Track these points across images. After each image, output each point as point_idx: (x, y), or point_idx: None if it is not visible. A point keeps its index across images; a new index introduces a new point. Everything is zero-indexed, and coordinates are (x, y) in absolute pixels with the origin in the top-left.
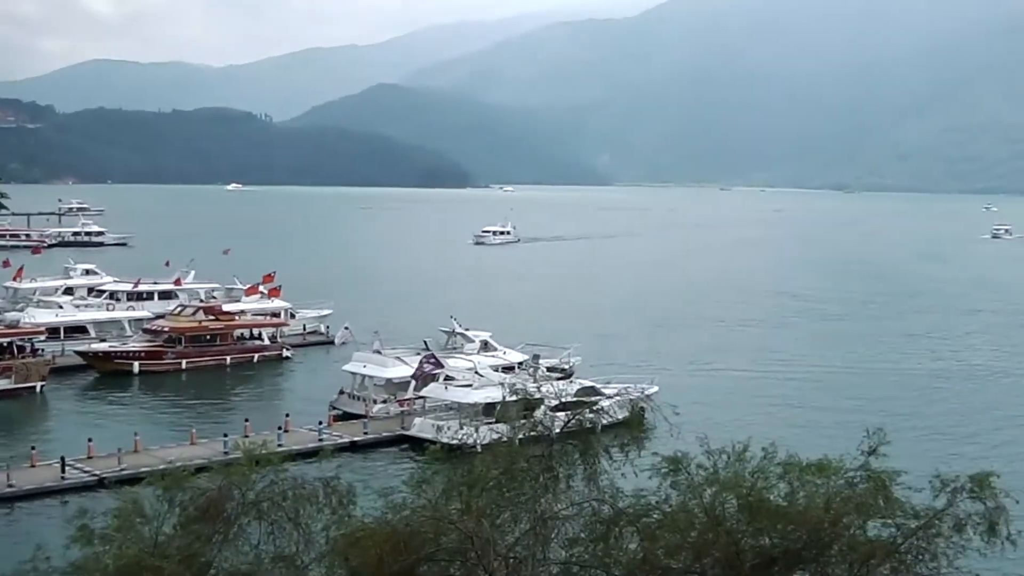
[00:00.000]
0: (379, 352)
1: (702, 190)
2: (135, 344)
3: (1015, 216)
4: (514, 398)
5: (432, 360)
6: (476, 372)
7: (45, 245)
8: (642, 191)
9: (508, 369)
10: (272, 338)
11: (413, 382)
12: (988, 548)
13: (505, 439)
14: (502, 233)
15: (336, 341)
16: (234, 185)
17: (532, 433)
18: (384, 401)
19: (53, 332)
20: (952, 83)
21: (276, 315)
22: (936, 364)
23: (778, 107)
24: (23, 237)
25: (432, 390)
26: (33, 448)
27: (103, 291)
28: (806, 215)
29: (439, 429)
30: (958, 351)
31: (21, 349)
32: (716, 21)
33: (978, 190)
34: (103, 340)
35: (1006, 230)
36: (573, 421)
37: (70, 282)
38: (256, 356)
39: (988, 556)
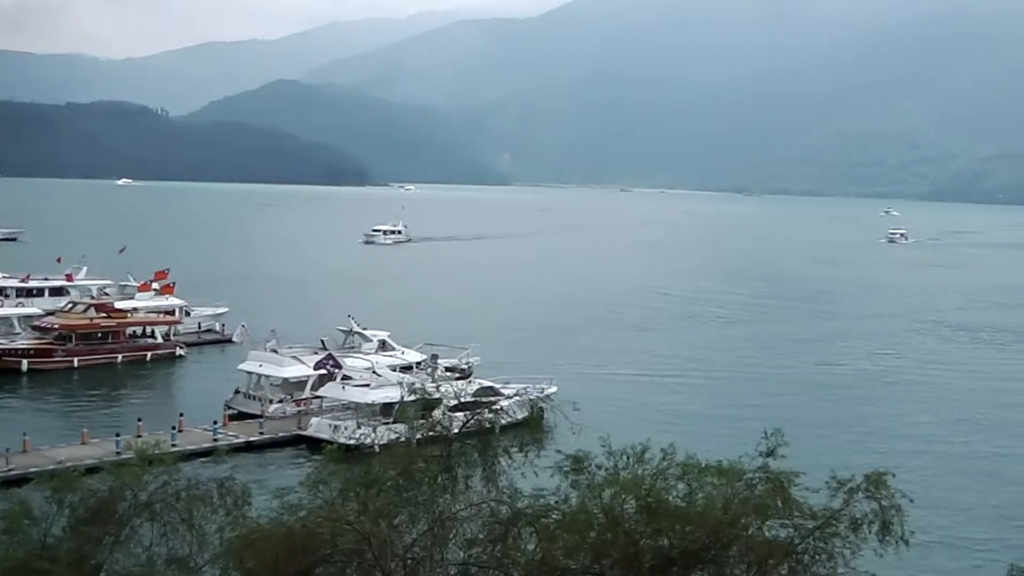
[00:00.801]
0: (275, 351)
1: (603, 191)
2: (24, 341)
3: (913, 220)
4: (412, 398)
5: (330, 360)
6: (374, 372)
7: None
8: (543, 191)
9: (406, 369)
10: (166, 336)
11: (310, 380)
12: (883, 547)
13: (403, 439)
14: (393, 233)
15: (235, 339)
16: (125, 180)
17: (430, 433)
18: (280, 401)
19: None
20: (852, 90)
21: (170, 313)
22: (833, 367)
23: (680, 110)
24: None
25: (329, 390)
26: None
27: None
28: (706, 217)
29: (336, 429)
30: (854, 354)
31: None
32: (620, 23)
33: (877, 194)
34: None
35: (902, 234)
36: (472, 421)
37: None
38: (149, 354)
39: (883, 556)
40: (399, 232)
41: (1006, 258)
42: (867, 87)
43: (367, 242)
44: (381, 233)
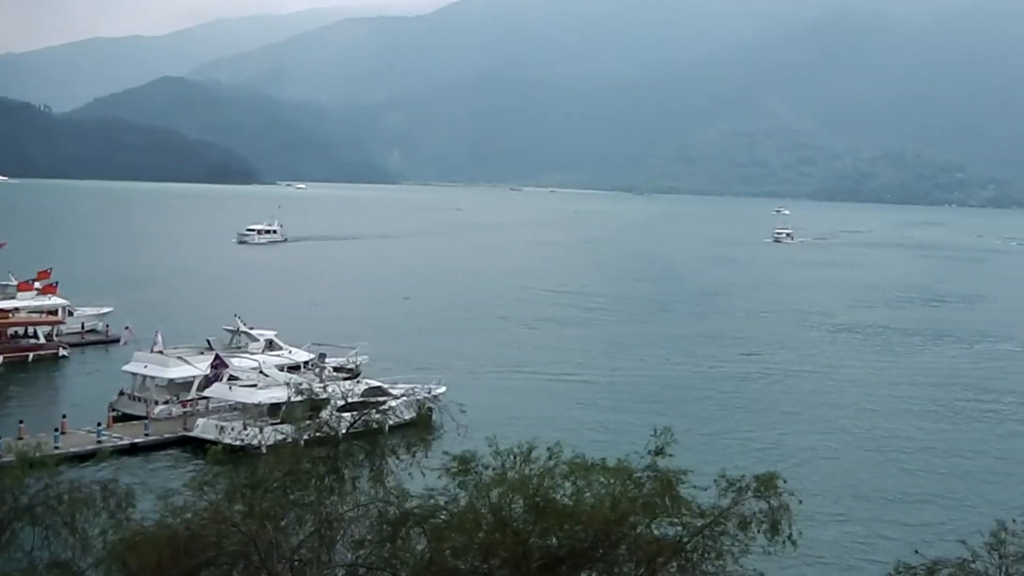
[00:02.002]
0: (160, 352)
1: (493, 190)
2: None
3: (802, 219)
4: (299, 398)
5: (216, 360)
6: (261, 372)
7: None
8: (433, 190)
9: (294, 369)
10: (48, 337)
11: (196, 381)
12: (771, 546)
13: (290, 440)
14: (267, 232)
15: (121, 341)
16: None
17: (318, 434)
18: (166, 402)
19: None
20: (738, 90)
21: (52, 313)
22: (722, 365)
23: (571, 109)
24: None
25: (216, 390)
26: None
27: None
28: (596, 217)
29: (222, 430)
30: (743, 352)
31: None
32: (511, 22)
33: (766, 193)
34: None
35: (787, 234)
36: (359, 421)
37: None
38: (31, 355)
39: (771, 555)
40: (274, 232)
41: (892, 257)
42: (753, 87)
43: (240, 242)
44: (255, 233)
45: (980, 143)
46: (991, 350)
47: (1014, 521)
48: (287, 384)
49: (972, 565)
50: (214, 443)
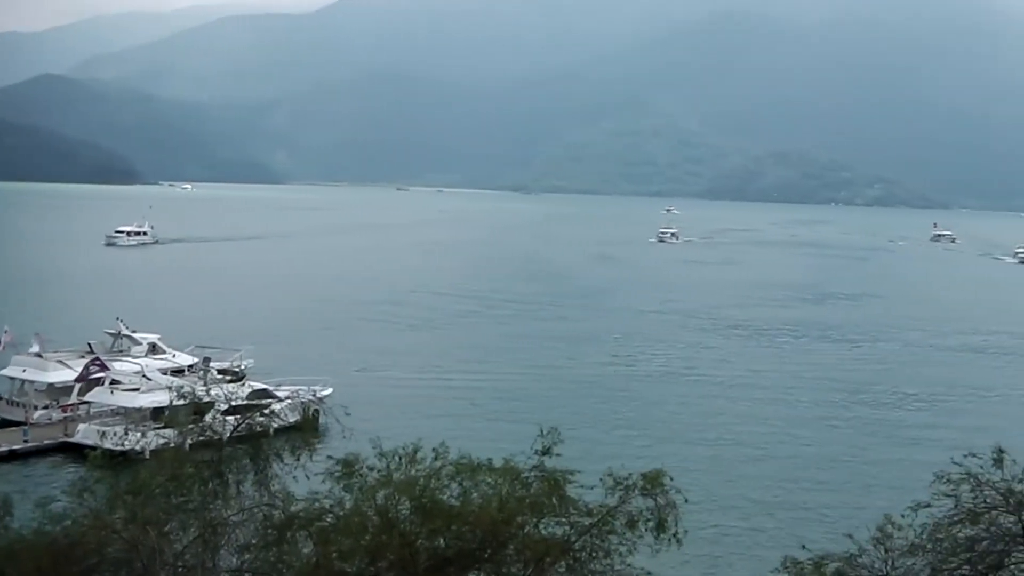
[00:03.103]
0: (40, 355)
1: (380, 190)
2: None
3: (692, 219)
4: (183, 402)
5: (97, 363)
6: (144, 375)
7: None
8: (318, 190)
9: (178, 372)
10: None
11: (77, 386)
12: (658, 544)
13: (173, 444)
14: (137, 233)
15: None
16: None
17: (201, 438)
18: (46, 407)
19: None
20: (627, 88)
21: None
22: (609, 364)
23: (458, 108)
24: None
25: (97, 394)
26: None
27: None
28: (484, 216)
29: (104, 435)
30: (629, 351)
31: None
32: (396, 20)
33: (654, 192)
34: None
35: (672, 234)
36: (243, 425)
37: None
38: None
39: (658, 552)
40: (144, 233)
41: (778, 255)
42: (641, 86)
43: (109, 244)
44: (124, 234)
45: (867, 143)
46: (875, 348)
47: (902, 516)
48: (170, 388)
49: (859, 559)
50: (95, 448)
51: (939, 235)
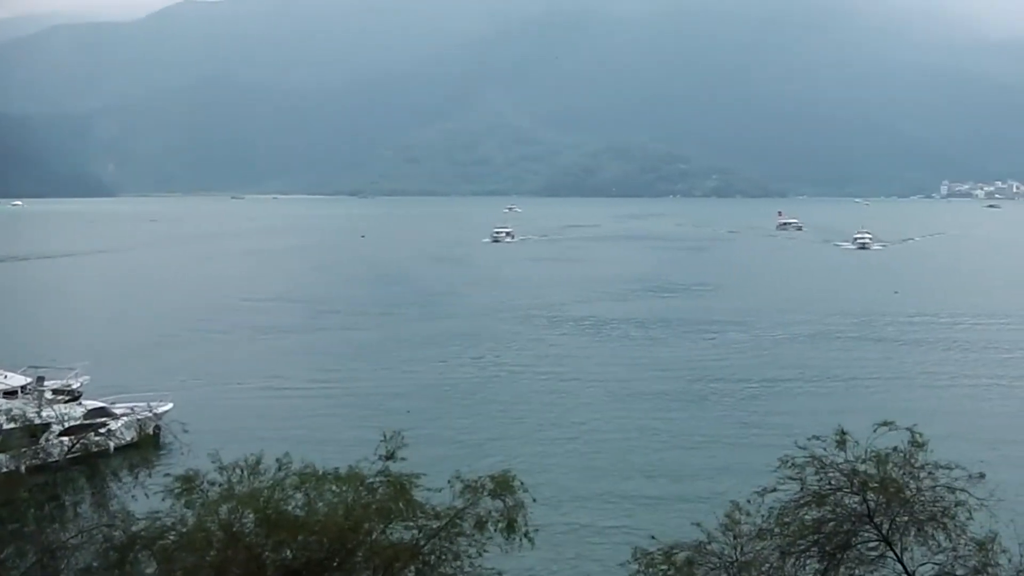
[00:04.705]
0: None
1: (214, 199)
2: None
3: (527, 216)
4: (14, 425)
5: None
6: None
7: None
8: (151, 201)
9: (10, 394)
10: None
11: None
12: (509, 545)
13: (6, 469)
14: None
15: None
16: None
17: (35, 461)
18: None
19: None
20: (460, 87)
21: None
22: (452, 366)
23: (291, 114)
24: None
25: None
26: None
27: None
28: (320, 222)
29: None
30: (472, 352)
31: None
32: (226, 28)
33: (491, 192)
34: None
35: (507, 233)
36: (79, 445)
37: None
38: None
39: (509, 553)
40: None
41: (619, 250)
42: (473, 85)
43: None
44: None
45: (703, 134)
46: (721, 337)
47: (748, 501)
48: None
49: (708, 547)
50: None
51: (785, 223)
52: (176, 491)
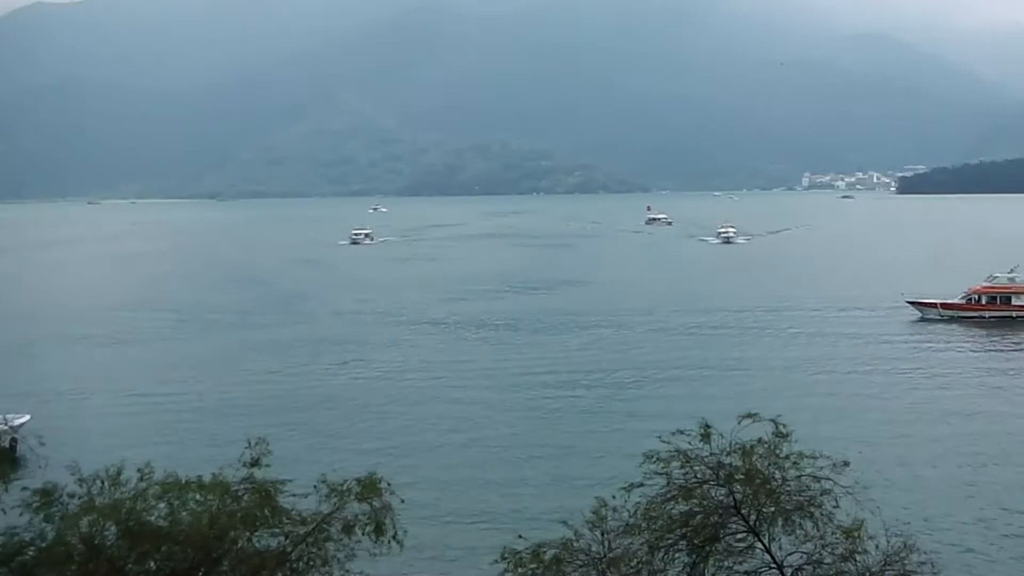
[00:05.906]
0: None
1: (69, 204)
2: None
3: (390, 216)
4: None
5: None
6: None
7: None
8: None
9: None
10: None
11: None
12: (377, 548)
13: None
14: None
15: None
16: None
17: None
18: None
19: None
20: (320, 87)
21: None
22: (316, 370)
23: (148, 116)
24: None
25: None
26: None
27: None
28: (178, 226)
29: None
30: (336, 355)
31: None
32: (82, 29)
33: (354, 192)
34: None
35: (366, 234)
36: None
37: None
38: None
39: (378, 556)
40: None
41: (484, 248)
42: (333, 85)
43: None
44: None
45: (565, 130)
46: (589, 333)
47: (613, 497)
48: None
49: (576, 544)
50: None
51: (653, 218)
52: (34, 505)
